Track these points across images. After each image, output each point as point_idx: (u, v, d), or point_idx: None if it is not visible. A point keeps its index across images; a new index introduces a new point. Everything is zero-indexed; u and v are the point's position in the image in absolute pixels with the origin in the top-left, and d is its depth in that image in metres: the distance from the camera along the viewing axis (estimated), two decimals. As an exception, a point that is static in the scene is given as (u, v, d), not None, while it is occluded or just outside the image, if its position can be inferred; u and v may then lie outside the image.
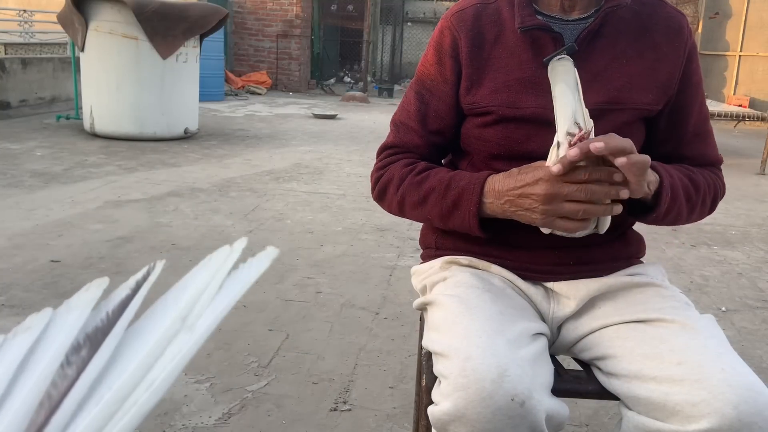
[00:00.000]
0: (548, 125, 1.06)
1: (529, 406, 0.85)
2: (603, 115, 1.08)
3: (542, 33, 1.09)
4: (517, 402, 0.85)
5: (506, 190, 1.02)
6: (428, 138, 1.18)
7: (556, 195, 0.96)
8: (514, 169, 1.03)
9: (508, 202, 1.02)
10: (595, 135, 1.08)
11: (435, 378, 0.96)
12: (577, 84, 0.98)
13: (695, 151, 1.17)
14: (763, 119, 6.28)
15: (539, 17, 1.11)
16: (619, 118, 1.09)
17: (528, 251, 1.11)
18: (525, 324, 1.01)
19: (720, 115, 6.21)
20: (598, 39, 1.10)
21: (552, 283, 1.13)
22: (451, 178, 1.09)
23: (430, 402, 0.93)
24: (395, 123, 1.21)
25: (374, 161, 1.22)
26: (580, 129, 0.94)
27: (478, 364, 0.87)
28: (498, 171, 1.12)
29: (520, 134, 1.09)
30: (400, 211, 1.17)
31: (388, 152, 1.20)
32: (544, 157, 1.08)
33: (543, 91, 1.08)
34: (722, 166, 1.22)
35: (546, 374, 0.94)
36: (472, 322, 0.96)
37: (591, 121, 0.96)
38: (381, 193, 1.19)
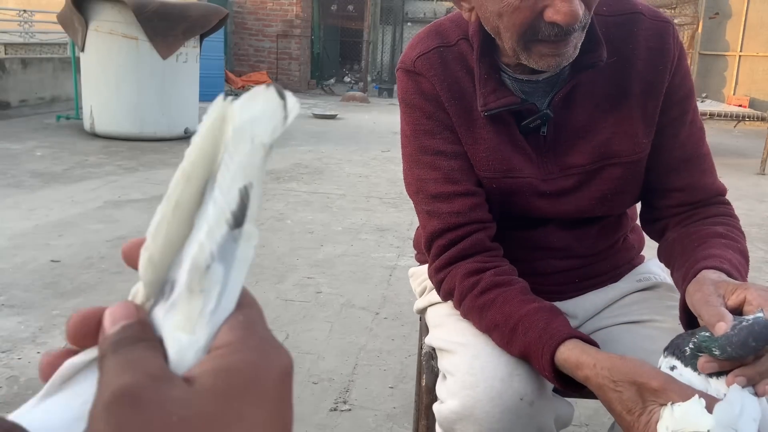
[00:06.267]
0: (541, 192, 0.98)
1: (538, 406, 0.84)
2: (596, 174, 0.97)
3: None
4: (526, 401, 0.83)
5: (604, 398, 0.78)
6: (476, 191, 0.98)
7: None
8: (606, 373, 0.77)
9: (599, 391, 0.79)
10: (588, 196, 0.97)
11: (435, 377, 0.96)
12: None
13: (686, 181, 0.99)
14: (763, 119, 6.28)
15: (505, 77, 0.96)
16: (612, 174, 0.97)
17: (533, 277, 1.02)
18: None
19: (720, 115, 6.25)
20: (573, 92, 0.95)
21: (557, 302, 1.11)
22: (518, 320, 0.87)
23: (431, 401, 0.93)
24: (430, 199, 0.98)
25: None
26: None
27: (487, 363, 0.86)
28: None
29: (517, 200, 1.00)
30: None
31: (442, 244, 0.97)
32: (540, 220, 0.99)
33: (528, 155, 0.97)
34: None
35: None
36: None
37: None
38: (445, 298, 1.02)
